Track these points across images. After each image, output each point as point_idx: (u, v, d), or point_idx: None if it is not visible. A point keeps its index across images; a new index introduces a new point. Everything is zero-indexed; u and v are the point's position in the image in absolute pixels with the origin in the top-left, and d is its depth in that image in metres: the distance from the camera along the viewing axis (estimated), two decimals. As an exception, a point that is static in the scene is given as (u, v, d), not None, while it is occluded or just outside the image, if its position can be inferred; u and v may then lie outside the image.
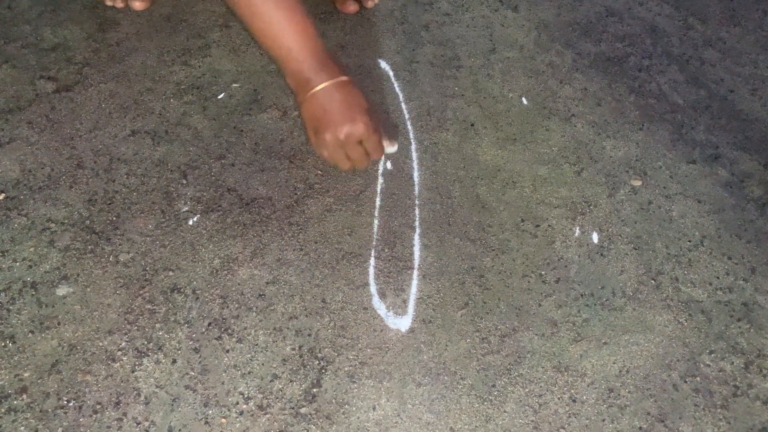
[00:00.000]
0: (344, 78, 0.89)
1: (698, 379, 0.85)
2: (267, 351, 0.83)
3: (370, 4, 1.29)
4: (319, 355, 0.84)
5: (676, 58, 1.29)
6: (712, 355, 0.88)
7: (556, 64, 1.24)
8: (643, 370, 0.86)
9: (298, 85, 0.90)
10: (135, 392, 0.78)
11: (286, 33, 0.88)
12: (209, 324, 0.85)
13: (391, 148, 0.98)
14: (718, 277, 0.96)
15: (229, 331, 0.85)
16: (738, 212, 1.04)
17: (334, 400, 0.80)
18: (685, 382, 0.85)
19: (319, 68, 0.88)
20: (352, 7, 1.27)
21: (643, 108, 1.18)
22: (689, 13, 1.40)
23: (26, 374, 0.78)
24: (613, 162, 1.09)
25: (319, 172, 1.02)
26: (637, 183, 1.06)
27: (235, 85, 1.12)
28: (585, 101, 1.18)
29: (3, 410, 0.75)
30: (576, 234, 0.99)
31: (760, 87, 1.26)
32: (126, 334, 0.83)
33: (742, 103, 1.22)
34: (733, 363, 0.87)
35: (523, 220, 1.00)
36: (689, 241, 1.00)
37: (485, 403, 0.81)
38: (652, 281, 0.95)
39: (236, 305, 0.87)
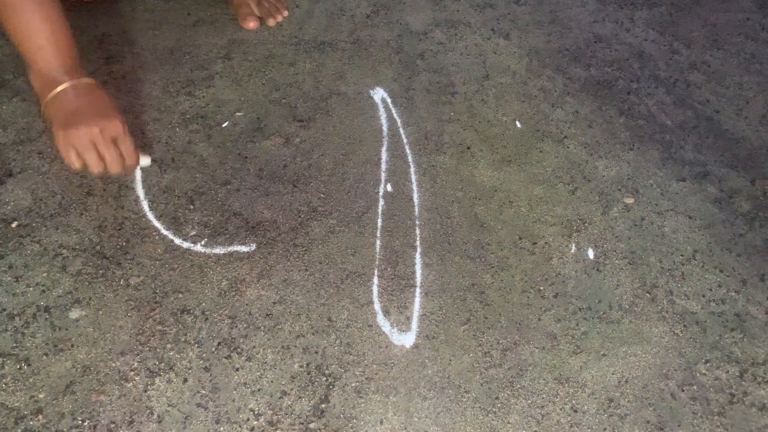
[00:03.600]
0: (91, 80, 0.91)
1: (695, 387, 0.88)
2: (276, 368, 0.85)
3: (271, 23, 1.34)
4: (327, 371, 0.86)
5: (663, 81, 1.34)
6: (708, 365, 0.90)
7: (548, 88, 1.29)
8: (642, 380, 0.88)
9: (44, 84, 0.90)
10: (148, 411, 0.80)
11: (40, 31, 0.88)
12: (219, 343, 0.87)
13: (145, 160, 0.98)
14: (710, 290, 0.99)
15: (239, 350, 0.87)
16: (728, 227, 1.08)
17: (342, 415, 0.82)
18: (683, 390, 0.87)
19: (69, 69, 0.90)
20: (252, 24, 1.32)
21: (633, 129, 1.23)
22: (674, 38, 1.46)
23: (41, 395, 0.80)
24: (606, 181, 1.13)
25: (322, 195, 1.05)
26: (630, 200, 1.10)
27: (238, 113, 1.16)
28: (577, 123, 1.22)
29: (19, 431, 0.77)
30: (572, 250, 1.02)
31: (745, 107, 1.31)
32: (138, 354, 0.85)
33: (728, 123, 1.26)
34: (728, 371, 0.90)
35: (520, 238, 1.03)
36: (682, 255, 1.03)
37: (489, 415, 0.83)
38: (648, 294, 0.98)
39: (245, 325, 0.89)
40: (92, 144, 0.88)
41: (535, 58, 1.35)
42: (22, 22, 0.87)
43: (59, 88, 0.88)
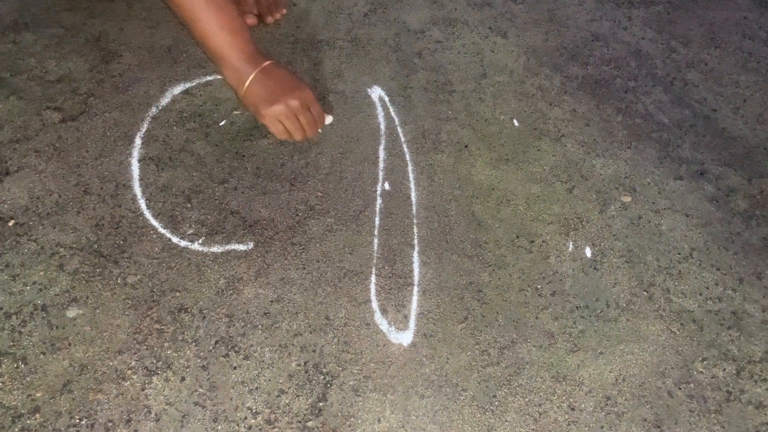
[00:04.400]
0: (270, 62, 1.02)
1: (692, 385, 0.88)
2: (273, 367, 0.85)
3: (269, 20, 1.35)
4: (324, 370, 0.86)
5: (661, 80, 1.34)
6: (705, 363, 0.90)
7: (546, 87, 1.29)
8: (639, 378, 0.88)
9: (238, 77, 1.00)
10: (145, 410, 0.80)
11: (223, 33, 0.98)
12: (216, 342, 0.87)
13: (328, 118, 1.10)
14: (707, 288, 0.99)
15: (236, 348, 0.87)
16: (725, 225, 1.08)
17: (339, 414, 0.82)
18: (680, 388, 0.88)
19: (252, 57, 1.01)
20: (250, 21, 1.33)
21: (630, 127, 1.23)
22: (671, 37, 1.46)
23: (39, 394, 0.80)
24: (603, 179, 1.13)
25: (320, 193, 1.05)
26: (627, 199, 1.10)
27: (235, 112, 1.16)
28: (574, 122, 1.22)
29: (17, 430, 0.77)
30: (569, 249, 1.02)
31: (742, 106, 1.31)
32: (135, 353, 0.85)
33: (725, 121, 1.26)
34: (725, 369, 0.90)
35: (518, 237, 1.03)
36: (679, 254, 1.03)
37: (487, 414, 0.83)
38: (645, 293, 0.98)
39: (242, 323, 0.89)
40: (293, 114, 1.01)
41: (533, 56, 1.35)
42: (205, 30, 0.98)
43: (252, 77, 1.00)
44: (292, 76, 1.03)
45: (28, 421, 0.78)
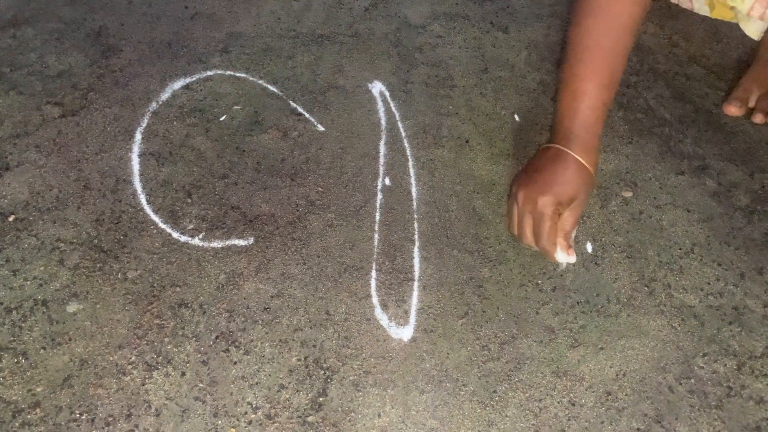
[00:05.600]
0: (588, 167, 0.91)
1: (693, 380, 0.88)
2: (273, 362, 0.86)
3: (759, 120, 1.23)
4: (325, 365, 0.86)
5: (662, 75, 1.34)
6: (706, 358, 0.90)
7: (547, 82, 1.28)
8: (639, 374, 0.88)
9: (559, 134, 0.94)
10: (146, 404, 0.80)
11: (592, 92, 0.93)
12: (216, 337, 0.87)
13: (563, 254, 0.91)
14: (708, 283, 0.99)
15: (236, 343, 0.87)
16: (726, 220, 1.07)
17: (340, 408, 0.82)
18: (680, 384, 0.88)
19: (584, 140, 0.92)
20: (733, 110, 1.24)
21: (631, 123, 1.22)
22: (673, 32, 1.45)
23: (39, 389, 0.80)
24: (605, 174, 1.13)
25: (320, 189, 1.05)
26: (628, 194, 1.10)
27: (236, 107, 1.16)
28: (575, 117, 1.22)
29: (17, 424, 0.77)
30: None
31: (744, 100, 1.30)
32: (136, 348, 0.85)
33: (727, 117, 1.26)
34: (726, 365, 0.90)
35: (518, 232, 1.03)
36: (680, 249, 1.03)
37: (487, 409, 0.83)
38: (646, 288, 0.98)
39: (242, 318, 0.89)
40: (519, 211, 0.91)
41: (534, 51, 1.35)
42: (581, 81, 0.93)
43: (545, 145, 0.93)
44: (568, 185, 0.88)
45: (29, 416, 0.78)
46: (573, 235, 0.94)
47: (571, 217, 0.90)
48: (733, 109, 1.24)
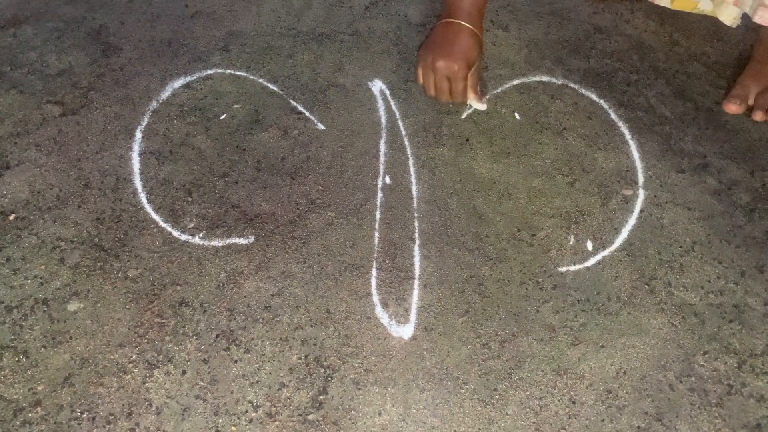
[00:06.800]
0: (478, 32, 1.05)
1: (693, 378, 0.88)
2: (274, 360, 0.86)
3: (759, 117, 1.23)
4: (325, 363, 0.86)
5: (663, 73, 1.34)
6: (706, 356, 0.90)
7: (547, 80, 1.28)
8: (640, 372, 0.88)
9: (449, 10, 1.06)
10: (146, 403, 0.80)
11: None
12: (217, 336, 0.87)
13: (476, 102, 1.13)
14: (709, 281, 0.99)
15: (237, 342, 0.87)
16: (727, 218, 1.07)
17: (340, 407, 0.82)
18: (681, 382, 0.88)
19: (471, 11, 1.04)
20: (733, 108, 1.23)
21: (632, 121, 1.22)
22: (674, 29, 1.45)
23: (40, 387, 0.80)
24: (605, 173, 1.13)
25: (320, 187, 1.05)
26: (629, 192, 1.10)
27: (236, 106, 1.16)
28: (576, 115, 1.22)
29: (18, 423, 0.77)
30: (571, 242, 1.02)
31: (745, 98, 1.30)
32: (136, 347, 0.85)
33: (728, 114, 1.26)
34: (726, 363, 0.90)
35: (519, 230, 1.03)
36: (680, 247, 1.03)
37: (488, 407, 0.83)
38: (646, 286, 0.98)
39: (243, 317, 0.89)
40: (431, 73, 1.05)
41: (534, 49, 1.35)
42: None
43: (443, 21, 1.05)
44: (460, 47, 1.04)
45: (30, 415, 0.78)
46: (479, 87, 1.14)
47: (475, 74, 1.10)
48: (732, 107, 1.24)
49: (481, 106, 1.15)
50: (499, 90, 1.25)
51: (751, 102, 1.26)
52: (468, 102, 1.13)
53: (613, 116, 1.23)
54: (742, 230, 1.06)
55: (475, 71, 1.09)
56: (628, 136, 1.20)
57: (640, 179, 1.12)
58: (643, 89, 1.29)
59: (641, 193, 1.10)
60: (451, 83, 1.06)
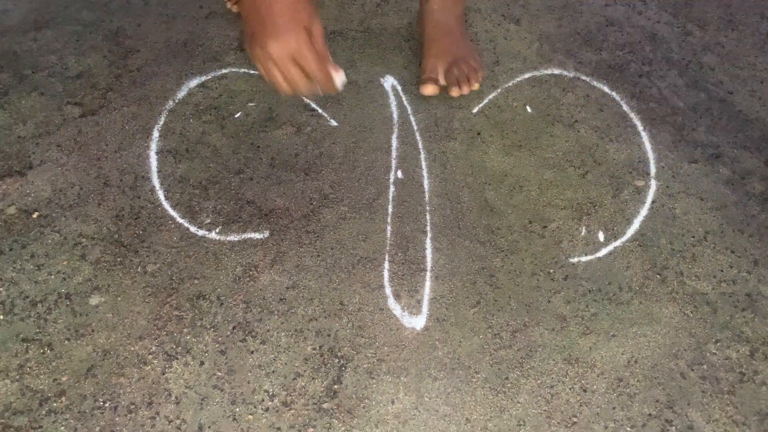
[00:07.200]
0: None
1: (705, 367, 0.88)
2: (289, 351, 0.88)
3: (455, 93, 1.20)
4: (339, 353, 0.88)
5: (676, 64, 1.33)
6: (718, 344, 0.91)
7: (559, 73, 1.29)
8: (651, 360, 0.89)
9: None
10: (166, 393, 0.83)
11: None
12: (234, 327, 0.89)
13: (336, 74, 0.83)
14: (722, 270, 0.99)
15: (253, 333, 0.89)
16: (740, 208, 1.07)
17: (354, 396, 0.84)
18: (692, 370, 0.88)
19: None
20: (429, 90, 1.20)
21: (644, 112, 1.22)
22: (687, 20, 1.45)
23: (64, 378, 0.83)
24: (617, 164, 1.13)
25: (333, 182, 1.07)
26: (641, 183, 1.10)
27: (250, 104, 1.18)
28: (588, 107, 1.22)
29: (44, 412, 0.80)
30: (582, 233, 1.03)
31: (759, 88, 1.29)
32: (156, 339, 0.88)
33: (742, 104, 1.25)
34: (738, 351, 0.90)
35: (530, 222, 1.04)
36: (693, 237, 1.03)
37: (499, 395, 0.85)
38: (658, 276, 0.98)
39: (259, 309, 0.91)
40: (272, 65, 0.79)
41: (546, 42, 1.35)
42: None
43: None
44: (296, 10, 0.77)
45: (55, 404, 0.81)
46: (328, 53, 0.83)
47: (318, 36, 0.80)
48: (428, 89, 1.20)
49: (341, 78, 0.83)
50: (510, 83, 1.26)
51: (442, 81, 1.22)
52: (334, 79, 0.83)
53: (625, 108, 1.23)
54: (755, 219, 1.06)
55: (320, 36, 0.80)
56: (640, 127, 1.20)
57: (653, 170, 1.12)
58: (656, 80, 1.29)
59: (653, 183, 1.10)
60: (300, 63, 0.79)
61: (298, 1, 0.77)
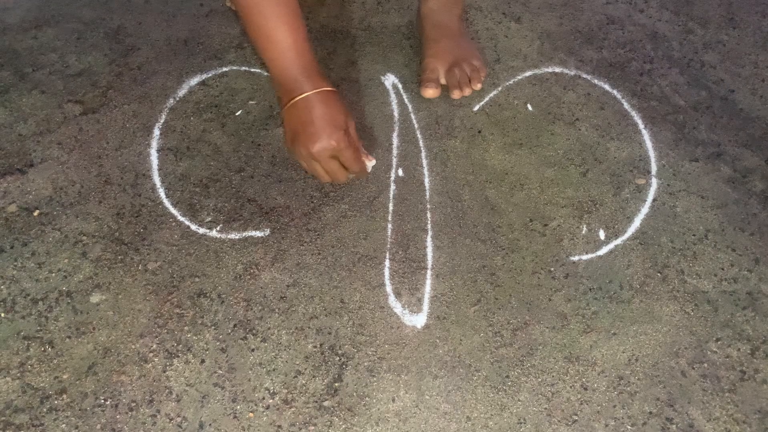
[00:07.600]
0: (328, 88, 0.89)
1: (705, 365, 0.88)
2: (290, 349, 0.88)
3: (456, 95, 1.20)
4: (340, 351, 0.88)
5: (677, 62, 1.33)
6: (719, 343, 0.91)
7: (559, 71, 1.29)
8: (652, 358, 0.89)
9: (284, 90, 0.90)
10: (167, 390, 0.83)
11: (281, 32, 0.87)
12: (234, 325, 0.89)
13: (371, 165, 0.97)
14: (722, 269, 0.99)
15: (254, 331, 0.89)
16: (741, 206, 1.07)
17: (355, 393, 0.84)
18: (693, 368, 0.88)
19: (305, 75, 0.88)
20: (431, 92, 1.20)
21: (645, 110, 1.22)
22: (689, 18, 1.44)
23: (65, 376, 0.83)
24: (618, 162, 1.13)
25: (334, 180, 1.07)
26: (642, 181, 1.10)
27: (251, 102, 1.18)
28: (588, 105, 1.22)
29: (45, 410, 0.80)
30: (583, 231, 1.03)
31: (760, 86, 1.29)
32: (157, 337, 0.88)
33: (743, 102, 1.25)
34: (739, 349, 0.90)
35: (531, 220, 1.04)
36: (694, 235, 1.03)
37: (500, 393, 0.85)
38: (659, 274, 0.98)
39: (260, 307, 0.91)
40: (313, 161, 0.90)
41: (547, 41, 1.35)
42: (263, 23, 0.87)
43: (293, 100, 0.88)
44: (333, 116, 0.89)
45: (56, 402, 0.81)
46: (361, 145, 0.95)
47: (353, 132, 0.92)
48: (429, 92, 1.20)
49: (372, 163, 0.97)
50: (511, 81, 1.26)
51: (443, 81, 1.21)
52: (366, 167, 0.96)
53: (626, 106, 1.23)
54: (756, 218, 1.06)
55: (354, 131, 0.93)
56: (641, 125, 1.20)
57: (653, 168, 1.12)
58: (657, 78, 1.29)
59: (654, 182, 1.10)
60: (340, 159, 0.91)
61: (335, 106, 0.89)
